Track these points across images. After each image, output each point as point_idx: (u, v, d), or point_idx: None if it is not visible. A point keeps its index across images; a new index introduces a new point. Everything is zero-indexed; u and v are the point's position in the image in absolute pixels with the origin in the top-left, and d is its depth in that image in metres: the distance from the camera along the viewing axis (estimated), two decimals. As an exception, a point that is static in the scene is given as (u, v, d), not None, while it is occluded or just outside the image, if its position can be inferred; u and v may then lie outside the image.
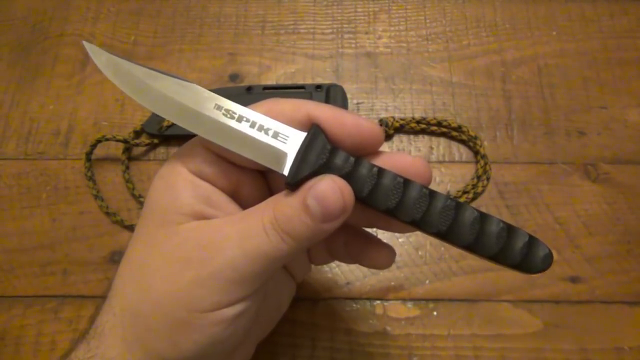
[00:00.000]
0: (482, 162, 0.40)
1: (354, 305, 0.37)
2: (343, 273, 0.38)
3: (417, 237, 0.39)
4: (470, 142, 0.41)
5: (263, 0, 0.48)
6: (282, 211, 0.22)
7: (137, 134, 0.42)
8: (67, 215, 0.40)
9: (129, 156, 0.42)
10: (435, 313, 0.36)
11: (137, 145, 0.41)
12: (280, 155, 0.23)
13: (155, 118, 0.42)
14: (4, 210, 0.40)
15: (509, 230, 0.22)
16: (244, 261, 0.22)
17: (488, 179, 0.40)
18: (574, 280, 0.37)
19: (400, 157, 0.24)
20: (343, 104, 0.42)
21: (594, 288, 0.37)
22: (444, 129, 0.42)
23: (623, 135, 0.42)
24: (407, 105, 0.44)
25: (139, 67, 0.24)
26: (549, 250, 0.22)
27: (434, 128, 0.42)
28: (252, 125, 0.23)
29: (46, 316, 0.37)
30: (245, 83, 0.45)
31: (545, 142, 0.42)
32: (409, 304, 0.37)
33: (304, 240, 0.22)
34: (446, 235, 0.22)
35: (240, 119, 0.23)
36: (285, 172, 0.23)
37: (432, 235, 0.23)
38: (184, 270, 0.22)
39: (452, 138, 0.42)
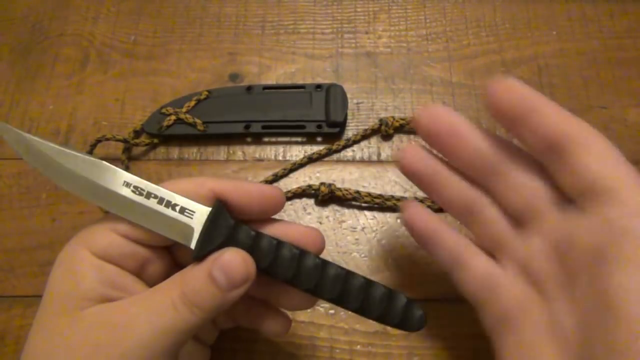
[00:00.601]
0: (482, 162, 0.40)
1: (354, 305, 0.37)
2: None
3: (417, 237, 0.39)
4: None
5: (263, 0, 0.48)
6: (189, 284, 0.23)
7: (137, 133, 0.42)
8: (67, 215, 0.40)
9: (129, 156, 0.42)
10: (435, 313, 0.36)
11: (137, 145, 0.41)
12: (188, 230, 0.24)
13: (155, 118, 0.42)
14: (4, 210, 0.40)
15: (390, 294, 0.25)
16: (155, 338, 0.22)
17: (488, 178, 0.40)
18: (574, 280, 0.37)
19: (296, 227, 0.26)
20: (343, 103, 0.42)
21: (594, 288, 0.37)
22: (444, 129, 0.42)
23: (623, 135, 0.42)
24: (407, 105, 0.44)
25: (50, 145, 0.25)
26: (422, 312, 0.26)
27: (434, 128, 0.42)
28: (160, 201, 0.24)
29: (46, 316, 0.37)
30: (245, 83, 0.45)
31: (545, 142, 0.42)
32: (409, 304, 0.37)
33: (212, 310, 0.23)
34: (338, 300, 0.25)
35: (148, 196, 0.24)
36: (192, 245, 0.24)
37: (326, 301, 0.25)
38: (92, 356, 0.22)
39: (452, 138, 0.42)
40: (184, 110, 0.42)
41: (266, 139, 0.43)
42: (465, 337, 0.35)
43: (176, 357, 0.24)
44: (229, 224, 0.24)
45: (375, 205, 0.40)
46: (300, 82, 0.44)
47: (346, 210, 0.40)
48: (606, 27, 0.46)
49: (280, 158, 0.42)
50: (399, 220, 0.40)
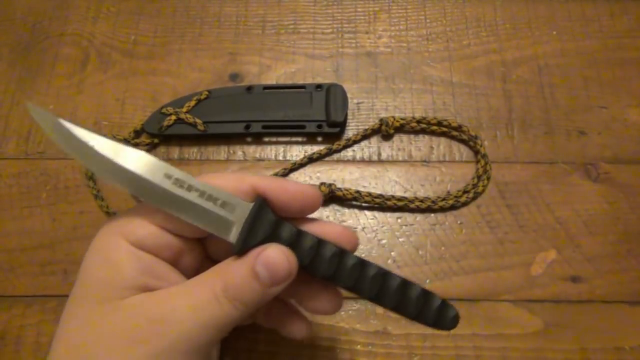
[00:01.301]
0: (482, 162, 0.40)
1: (355, 304, 0.37)
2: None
3: (418, 237, 0.39)
4: (470, 142, 0.41)
5: (263, 0, 0.48)
6: (232, 279, 0.23)
7: (138, 133, 0.42)
8: (67, 214, 0.40)
9: (129, 156, 0.42)
10: (435, 313, 0.36)
11: (137, 145, 0.41)
12: (228, 224, 0.24)
13: (155, 117, 0.42)
14: (4, 209, 0.40)
15: (426, 295, 0.26)
16: (197, 331, 0.23)
17: (488, 178, 0.40)
18: (574, 280, 0.37)
19: (332, 226, 0.27)
20: (343, 103, 0.42)
21: (594, 288, 0.37)
22: (444, 129, 0.42)
23: (623, 134, 0.42)
24: (407, 105, 0.44)
25: (88, 133, 0.24)
26: (456, 312, 0.26)
27: (434, 128, 0.42)
28: (201, 195, 0.24)
29: (46, 316, 0.37)
30: (246, 83, 0.44)
31: (546, 141, 0.42)
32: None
33: (253, 305, 0.24)
34: (376, 298, 0.26)
35: (189, 189, 0.24)
36: (232, 239, 0.24)
37: (364, 299, 0.26)
38: (136, 345, 0.22)
39: (453, 138, 0.42)
40: (184, 110, 0.42)
41: (266, 139, 0.43)
42: (466, 337, 0.35)
43: (213, 348, 0.25)
44: (272, 219, 0.24)
45: (376, 205, 0.40)
46: (300, 82, 0.44)
47: (346, 210, 0.40)
48: (606, 27, 0.46)
49: (281, 158, 0.42)
50: (399, 220, 0.40)
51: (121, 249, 0.24)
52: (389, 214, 0.40)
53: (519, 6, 0.47)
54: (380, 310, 0.36)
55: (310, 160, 0.41)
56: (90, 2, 0.48)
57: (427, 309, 0.26)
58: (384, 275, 0.25)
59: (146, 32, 0.47)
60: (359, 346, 0.35)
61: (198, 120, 0.41)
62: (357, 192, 0.39)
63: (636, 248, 0.38)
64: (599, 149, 0.41)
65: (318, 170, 0.41)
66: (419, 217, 0.40)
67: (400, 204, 0.39)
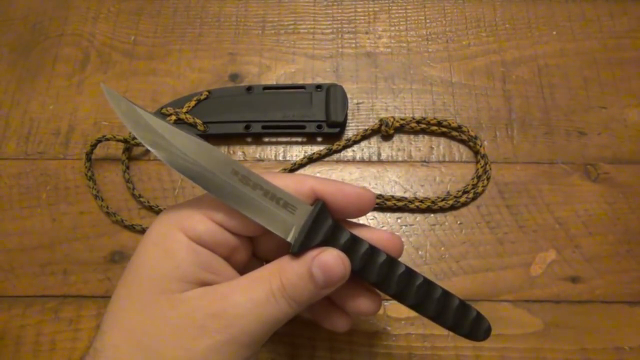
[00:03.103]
0: (482, 162, 0.40)
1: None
2: (343, 273, 0.38)
3: (418, 237, 0.39)
4: (470, 142, 0.41)
5: (263, 0, 0.48)
6: (289, 279, 0.24)
7: (137, 133, 0.42)
8: (67, 215, 0.40)
9: (129, 156, 0.42)
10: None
11: (137, 145, 0.41)
12: (288, 225, 0.25)
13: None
14: (4, 210, 0.40)
15: (464, 306, 0.27)
16: (257, 327, 0.24)
17: (488, 178, 0.40)
18: (574, 280, 0.37)
19: (381, 233, 0.28)
20: (343, 103, 0.42)
21: (594, 288, 0.37)
22: (444, 129, 0.42)
23: (623, 135, 0.42)
24: (407, 105, 0.44)
25: (159, 120, 0.25)
26: (489, 325, 0.27)
27: (434, 128, 0.42)
28: (265, 194, 0.25)
29: (46, 316, 0.37)
30: (245, 83, 0.45)
31: (545, 142, 0.42)
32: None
33: (306, 303, 0.25)
34: (418, 307, 0.27)
35: (254, 187, 0.25)
36: (291, 240, 0.25)
37: (406, 306, 0.27)
38: (198, 338, 0.23)
39: (452, 138, 0.42)
40: (184, 110, 0.42)
41: (266, 139, 0.43)
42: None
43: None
44: (330, 224, 0.25)
45: (375, 206, 0.40)
46: (300, 82, 0.44)
47: (346, 211, 0.40)
48: (606, 27, 0.46)
49: (281, 158, 0.42)
50: (399, 221, 0.40)
51: (181, 242, 0.25)
52: (388, 214, 0.40)
53: (518, 7, 0.47)
54: (380, 310, 0.36)
55: (310, 160, 0.42)
56: (91, 3, 0.48)
57: (464, 320, 0.27)
58: (428, 285, 0.27)
59: (146, 33, 0.47)
60: (359, 346, 0.35)
61: (198, 121, 0.41)
62: (357, 192, 0.39)
63: (636, 248, 0.38)
64: (598, 149, 0.41)
65: (318, 171, 0.42)
66: (419, 217, 0.40)
67: (400, 204, 0.39)
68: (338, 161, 0.42)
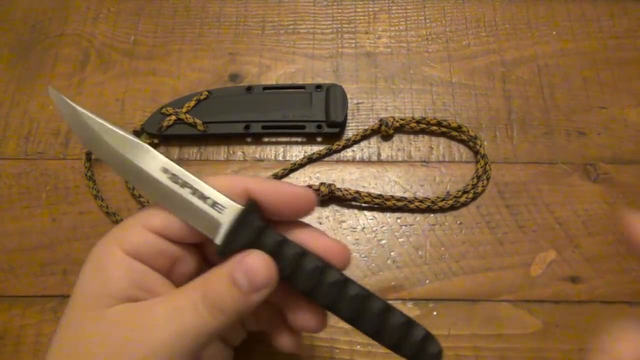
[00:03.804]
0: (482, 162, 0.40)
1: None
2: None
3: (417, 237, 0.39)
4: (470, 142, 0.41)
5: (263, 0, 0.48)
6: (211, 286, 0.23)
7: (137, 133, 0.42)
8: (67, 215, 0.40)
9: (129, 156, 0.42)
10: (435, 313, 0.36)
11: (137, 145, 0.41)
12: (215, 224, 0.24)
13: (155, 118, 0.42)
14: (4, 210, 0.40)
15: (409, 324, 0.24)
16: (176, 339, 0.22)
17: (488, 178, 0.40)
18: (574, 280, 0.37)
19: (324, 239, 0.26)
20: (343, 103, 0.42)
21: (593, 288, 0.37)
22: (444, 129, 0.42)
23: (623, 135, 0.42)
24: (407, 105, 0.44)
25: (97, 120, 0.25)
26: (441, 348, 0.24)
27: (433, 128, 0.42)
28: (193, 192, 0.25)
29: (46, 316, 0.37)
30: (245, 83, 0.45)
31: (545, 142, 0.42)
32: (409, 304, 0.37)
33: (233, 313, 0.23)
34: (353, 321, 0.24)
35: (183, 185, 0.25)
36: (218, 241, 0.24)
37: (342, 319, 0.24)
38: (117, 354, 0.22)
39: (452, 138, 0.42)
40: (184, 110, 0.42)
41: (266, 139, 0.43)
42: (465, 338, 0.35)
43: (198, 358, 0.24)
44: (258, 225, 0.24)
45: (375, 206, 0.40)
46: (300, 82, 0.44)
47: (346, 211, 0.40)
48: (606, 27, 0.46)
49: (280, 158, 0.42)
50: (398, 221, 0.40)
51: (113, 258, 0.24)
52: (388, 214, 0.40)
53: (518, 6, 0.47)
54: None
55: (310, 160, 0.42)
56: (90, 3, 0.48)
57: (408, 340, 0.24)
58: (366, 297, 0.24)
59: (146, 33, 0.47)
60: (359, 346, 0.35)
61: (198, 121, 0.41)
62: (357, 192, 0.39)
63: (636, 248, 0.38)
64: (598, 149, 0.41)
65: (318, 171, 0.42)
66: (419, 217, 0.40)
67: (399, 204, 0.39)
68: (338, 161, 0.42)
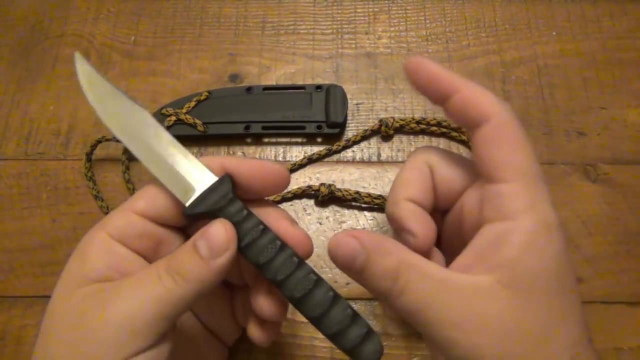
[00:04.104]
0: (481, 163, 0.40)
1: (354, 305, 0.37)
2: (343, 274, 0.38)
3: (417, 237, 0.39)
4: (470, 143, 0.41)
5: (263, 0, 0.48)
6: (175, 256, 0.24)
7: (137, 134, 0.42)
8: (68, 215, 0.40)
9: (129, 156, 0.42)
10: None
11: (137, 145, 0.41)
12: (188, 189, 0.25)
13: (155, 118, 0.42)
14: (4, 210, 0.40)
15: (353, 317, 0.24)
16: (138, 307, 0.22)
17: (488, 179, 0.40)
18: (573, 280, 0.37)
19: (287, 225, 0.26)
20: (343, 104, 0.42)
21: (593, 288, 0.37)
22: (444, 129, 0.42)
23: (623, 135, 0.42)
24: (407, 106, 0.44)
25: (107, 83, 0.27)
26: (381, 346, 0.24)
27: (433, 128, 0.42)
28: (177, 159, 0.26)
29: (46, 316, 0.37)
30: (245, 83, 0.45)
31: (545, 142, 0.42)
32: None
33: (194, 279, 0.23)
34: (298, 303, 0.24)
35: (167, 147, 0.26)
36: (187, 204, 0.25)
37: (288, 301, 0.25)
38: (77, 327, 0.22)
39: (452, 138, 0.42)
40: (184, 111, 0.42)
41: (266, 140, 0.43)
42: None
43: (164, 333, 0.24)
44: (227, 195, 0.25)
45: (375, 206, 0.40)
46: (300, 82, 0.45)
47: (346, 211, 0.40)
48: (606, 27, 0.46)
49: (280, 159, 0.42)
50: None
51: (94, 241, 0.25)
52: (388, 215, 0.40)
53: (518, 7, 0.47)
54: (379, 310, 0.37)
55: (310, 161, 0.42)
56: (91, 3, 0.48)
57: (349, 332, 0.24)
58: (316, 281, 0.25)
59: (146, 33, 0.47)
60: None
61: (198, 121, 0.41)
62: (357, 192, 0.39)
63: (635, 249, 0.38)
64: (598, 149, 0.41)
65: (318, 171, 0.42)
66: (419, 217, 0.40)
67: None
68: (338, 161, 0.42)
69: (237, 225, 0.25)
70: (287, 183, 0.27)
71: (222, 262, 0.24)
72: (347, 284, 0.37)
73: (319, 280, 0.25)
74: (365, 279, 0.23)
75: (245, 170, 0.26)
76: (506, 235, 0.22)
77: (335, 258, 0.23)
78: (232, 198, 0.25)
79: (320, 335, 0.23)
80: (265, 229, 0.25)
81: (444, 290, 0.22)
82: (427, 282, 0.22)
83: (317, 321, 0.24)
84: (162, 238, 0.26)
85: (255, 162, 0.27)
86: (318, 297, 0.24)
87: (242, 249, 0.25)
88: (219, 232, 0.24)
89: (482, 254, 0.22)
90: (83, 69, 0.28)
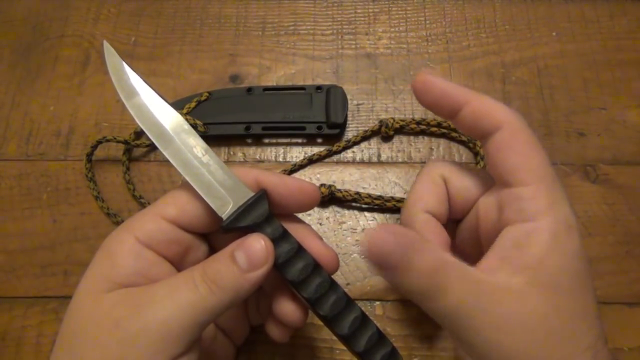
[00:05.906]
0: (482, 163, 0.40)
1: (354, 306, 0.37)
2: (344, 274, 0.38)
3: (417, 238, 0.39)
4: (470, 143, 0.41)
5: (263, 1, 0.48)
6: (211, 264, 0.24)
7: (138, 135, 0.42)
8: (68, 216, 0.40)
9: (130, 157, 0.42)
10: (435, 314, 0.36)
11: (137, 146, 0.41)
12: (225, 202, 0.26)
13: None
14: (5, 211, 0.40)
15: (379, 337, 0.26)
16: (172, 314, 0.22)
17: (488, 180, 0.40)
18: (573, 281, 0.37)
19: (317, 242, 0.27)
20: (343, 104, 0.42)
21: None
22: (444, 130, 0.42)
23: (622, 136, 0.42)
24: (407, 106, 0.44)
25: (142, 83, 0.27)
26: None
27: (434, 129, 0.42)
28: (214, 170, 0.26)
29: (47, 317, 0.37)
30: (246, 84, 0.45)
31: (545, 143, 0.42)
32: (409, 305, 0.37)
33: (231, 290, 0.23)
34: (328, 321, 0.26)
35: (206, 161, 0.26)
36: (224, 217, 0.25)
37: (318, 317, 0.26)
38: (113, 332, 0.22)
39: (452, 139, 0.42)
40: (184, 111, 0.42)
41: (266, 140, 0.43)
42: None
43: (198, 343, 0.24)
44: (265, 212, 0.26)
45: (376, 207, 0.40)
46: (300, 83, 0.45)
47: (346, 212, 0.40)
48: (606, 28, 0.46)
49: (281, 159, 0.42)
50: (399, 222, 0.40)
51: (123, 245, 0.25)
52: (388, 216, 0.40)
53: (518, 7, 0.47)
54: (380, 311, 0.37)
55: (310, 161, 0.42)
56: (91, 4, 0.48)
57: (376, 352, 0.25)
58: (347, 303, 0.26)
59: (146, 34, 0.47)
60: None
61: (198, 122, 0.41)
62: (357, 193, 0.39)
63: (635, 249, 0.38)
64: (598, 150, 0.41)
65: (318, 172, 0.42)
66: (419, 218, 0.40)
67: (400, 205, 0.39)
68: (338, 162, 0.42)
69: (274, 242, 0.25)
70: (317, 203, 0.28)
71: (258, 275, 0.24)
72: (347, 284, 0.37)
73: (349, 302, 0.26)
74: (399, 277, 0.22)
75: (283, 190, 0.26)
76: (530, 236, 0.22)
77: (369, 254, 0.22)
78: (269, 215, 0.26)
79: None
80: (301, 249, 0.26)
81: (483, 291, 0.21)
82: (466, 282, 0.22)
83: (347, 340, 0.25)
84: (190, 245, 0.26)
85: (292, 182, 0.27)
86: (349, 318, 0.25)
87: (278, 266, 0.25)
88: (260, 247, 0.24)
89: (506, 256, 0.22)
90: (112, 61, 0.28)
